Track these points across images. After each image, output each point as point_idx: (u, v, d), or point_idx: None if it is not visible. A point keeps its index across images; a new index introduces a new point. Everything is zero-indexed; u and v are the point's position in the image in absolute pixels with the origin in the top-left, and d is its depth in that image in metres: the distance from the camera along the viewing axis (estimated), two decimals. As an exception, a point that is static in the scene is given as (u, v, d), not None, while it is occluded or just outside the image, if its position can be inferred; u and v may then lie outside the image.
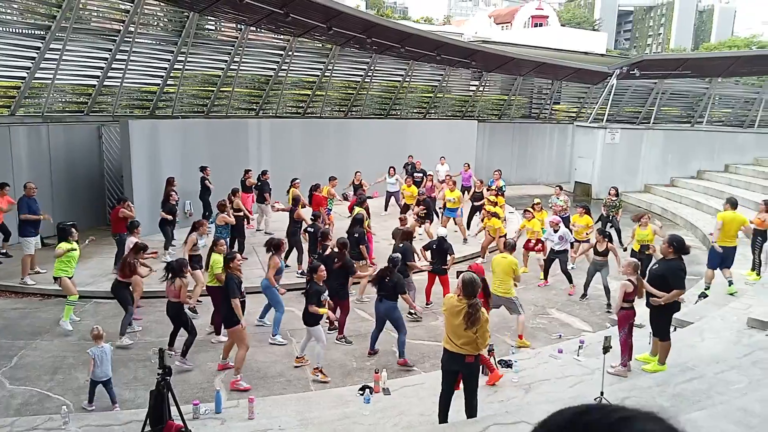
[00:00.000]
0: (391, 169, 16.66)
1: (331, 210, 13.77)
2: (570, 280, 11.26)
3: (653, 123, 24.11)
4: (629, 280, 7.21)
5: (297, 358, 8.19)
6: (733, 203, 10.67)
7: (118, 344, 8.32)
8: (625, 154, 21.99)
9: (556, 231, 11.24)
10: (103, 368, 6.72)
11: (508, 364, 7.70)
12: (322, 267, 8.02)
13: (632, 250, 10.90)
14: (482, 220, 13.31)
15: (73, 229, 9.18)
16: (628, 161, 22.09)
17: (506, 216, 13.42)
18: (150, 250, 9.36)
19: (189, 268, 8.16)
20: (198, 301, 9.79)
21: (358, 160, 17.60)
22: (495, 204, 13.33)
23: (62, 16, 12.54)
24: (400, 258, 8.89)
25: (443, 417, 5.88)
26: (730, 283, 10.32)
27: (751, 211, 12.89)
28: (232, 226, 11.76)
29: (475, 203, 14.79)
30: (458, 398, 5.92)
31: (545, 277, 11.72)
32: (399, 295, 8.39)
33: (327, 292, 7.95)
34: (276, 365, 8.13)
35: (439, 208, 15.32)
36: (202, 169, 14.07)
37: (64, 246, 8.82)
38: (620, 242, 13.36)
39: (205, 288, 9.12)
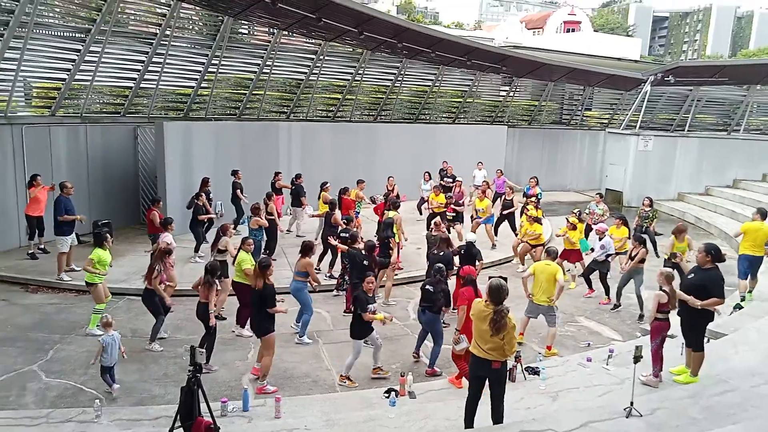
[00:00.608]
0: (426, 174, 16.64)
1: (359, 213, 13.81)
2: (607, 292, 11.08)
3: (688, 130, 23.64)
4: (663, 290, 7.06)
5: (374, 369, 8.02)
6: (762, 213, 10.51)
7: (148, 348, 8.45)
8: (658, 161, 21.59)
9: (600, 239, 11.12)
10: (112, 354, 7.05)
11: (535, 372, 7.62)
12: (372, 279, 7.83)
13: (664, 259, 10.72)
14: (521, 226, 13.16)
15: (108, 236, 9.24)
16: (661, 169, 21.68)
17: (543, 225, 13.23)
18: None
19: (218, 273, 8.17)
20: (222, 307, 9.90)
21: (387, 164, 17.64)
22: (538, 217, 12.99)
23: (102, 20, 12.89)
24: (444, 268, 8.60)
25: (469, 422, 5.86)
26: (750, 291, 10.31)
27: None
28: (266, 229, 11.88)
29: (504, 212, 14.63)
30: (484, 404, 5.88)
31: (590, 287, 11.45)
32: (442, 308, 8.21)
33: (375, 304, 7.74)
34: (302, 365, 8.19)
35: (470, 216, 15.21)
36: (234, 173, 14.20)
37: (95, 256, 8.85)
38: (656, 253, 13.13)
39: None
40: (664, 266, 9.68)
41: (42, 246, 12.21)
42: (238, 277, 8.87)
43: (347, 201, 13.25)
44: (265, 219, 11.66)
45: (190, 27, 15.94)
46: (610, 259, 11.12)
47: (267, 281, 7.47)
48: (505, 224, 14.82)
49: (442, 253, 9.64)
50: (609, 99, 25.58)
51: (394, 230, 11.50)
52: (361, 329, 7.56)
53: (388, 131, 19.74)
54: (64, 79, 13.49)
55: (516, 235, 13.76)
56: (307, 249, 8.95)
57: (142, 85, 15.01)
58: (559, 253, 12.04)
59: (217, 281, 7.87)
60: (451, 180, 16.46)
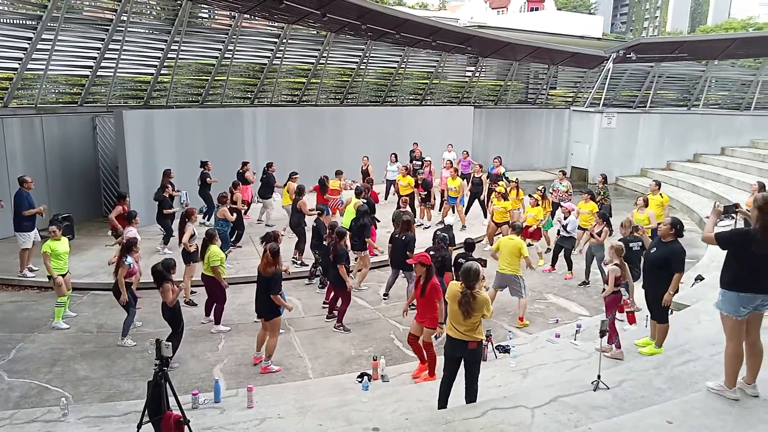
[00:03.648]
0: (393, 156, 16.56)
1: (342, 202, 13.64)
2: (570, 267, 11.34)
3: (650, 107, 24.06)
4: (616, 264, 7.26)
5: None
6: (659, 184, 12.69)
7: (120, 344, 8.28)
8: (621, 138, 21.97)
9: (565, 217, 11.30)
10: None
11: (505, 350, 7.74)
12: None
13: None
14: (489, 203, 13.30)
15: (54, 226, 8.99)
16: (624, 145, 22.08)
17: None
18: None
19: (175, 269, 7.92)
20: (193, 292, 9.79)
21: (354, 147, 17.54)
22: (507, 193, 13.07)
23: (53, 6, 12.42)
24: (447, 237, 9.01)
25: (443, 402, 5.90)
26: None
27: (747, 194, 12.91)
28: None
29: (474, 190, 14.78)
30: (457, 384, 5.94)
31: (552, 264, 11.76)
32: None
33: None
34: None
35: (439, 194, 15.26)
36: (203, 164, 13.90)
37: (45, 248, 8.72)
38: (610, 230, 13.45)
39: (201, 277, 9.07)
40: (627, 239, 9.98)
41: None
42: (207, 270, 8.75)
43: (330, 190, 13.13)
44: (230, 209, 11.51)
45: (148, 12, 15.50)
46: (575, 235, 11.37)
47: (277, 267, 7.51)
48: (476, 205, 14.94)
49: (404, 237, 9.69)
50: (573, 77, 25.83)
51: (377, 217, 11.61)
52: None
53: (354, 114, 19.59)
54: (15, 69, 13.00)
55: (486, 216, 13.89)
56: (270, 240, 8.73)
57: (99, 73, 14.56)
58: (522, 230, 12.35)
59: (170, 280, 7.62)
60: (419, 163, 16.45)
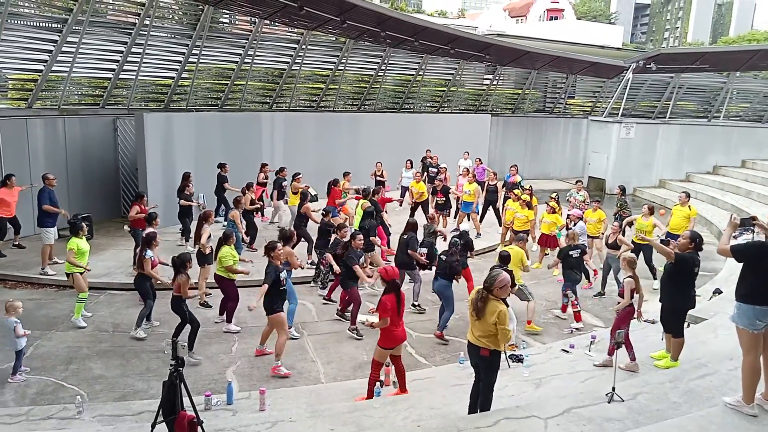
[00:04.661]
0: (408, 162, 16.58)
1: (341, 205, 13.74)
2: (587, 276, 11.20)
3: (669, 117, 23.83)
4: (630, 276, 7.22)
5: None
6: (688, 195, 12.30)
7: (133, 335, 8.41)
8: (640, 148, 21.78)
9: (574, 224, 11.22)
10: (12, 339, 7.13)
11: (519, 359, 7.68)
12: None
13: (632, 241, 10.95)
14: (505, 211, 13.28)
15: (83, 224, 9.23)
16: (643, 156, 21.88)
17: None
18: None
19: (191, 263, 8.15)
20: (208, 293, 9.87)
21: (371, 153, 17.58)
22: (529, 200, 13.03)
23: (78, 10, 12.64)
24: (459, 242, 9.38)
25: (471, 408, 5.91)
26: None
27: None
28: (245, 219, 11.85)
29: (488, 197, 14.76)
30: (467, 393, 5.92)
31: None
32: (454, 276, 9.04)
33: None
34: (288, 357, 8.14)
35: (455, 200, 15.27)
36: (221, 166, 14.07)
37: (72, 244, 8.84)
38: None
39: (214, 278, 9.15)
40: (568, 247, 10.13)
41: (17, 242, 12.02)
42: (220, 270, 8.83)
43: (336, 191, 13.19)
44: (246, 208, 11.67)
45: (170, 16, 15.70)
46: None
47: (270, 260, 7.72)
48: (490, 213, 14.90)
49: (406, 236, 9.95)
50: (592, 87, 25.68)
51: (383, 218, 11.72)
52: None
53: (372, 121, 19.65)
54: (40, 71, 13.23)
55: (500, 224, 13.83)
56: (286, 238, 8.89)
57: (121, 76, 14.77)
58: (538, 239, 12.35)
59: (186, 273, 7.89)
60: (435, 170, 16.44)
